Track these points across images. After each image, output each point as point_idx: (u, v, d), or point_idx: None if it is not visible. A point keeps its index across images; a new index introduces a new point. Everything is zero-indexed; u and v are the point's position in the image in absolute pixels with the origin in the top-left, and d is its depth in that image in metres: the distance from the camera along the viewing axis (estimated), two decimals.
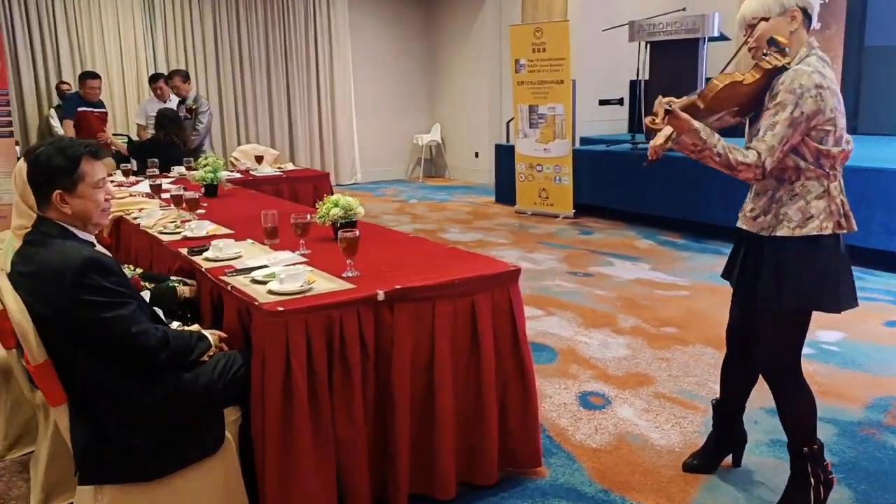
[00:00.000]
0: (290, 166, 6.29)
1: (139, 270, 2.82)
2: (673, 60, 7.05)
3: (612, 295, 4.85)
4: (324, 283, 2.31)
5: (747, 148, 2.12)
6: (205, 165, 4.58)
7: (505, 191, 8.64)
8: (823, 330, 4.06)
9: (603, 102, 9.37)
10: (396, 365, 2.26)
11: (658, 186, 6.80)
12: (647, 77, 7.28)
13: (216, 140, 9.80)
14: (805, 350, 3.72)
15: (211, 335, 2.25)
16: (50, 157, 1.95)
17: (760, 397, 2.63)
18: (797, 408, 2.28)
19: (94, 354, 1.90)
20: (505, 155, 8.53)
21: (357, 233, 2.44)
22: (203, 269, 2.59)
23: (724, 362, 2.55)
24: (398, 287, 2.26)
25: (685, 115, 2.07)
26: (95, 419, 1.94)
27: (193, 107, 6.44)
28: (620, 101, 9.34)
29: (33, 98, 8.61)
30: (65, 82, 8.45)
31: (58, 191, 1.95)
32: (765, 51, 2.16)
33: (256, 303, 2.14)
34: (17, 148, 7.60)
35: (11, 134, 6.61)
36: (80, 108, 6.49)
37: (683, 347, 3.81)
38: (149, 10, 9.28)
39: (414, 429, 2.32)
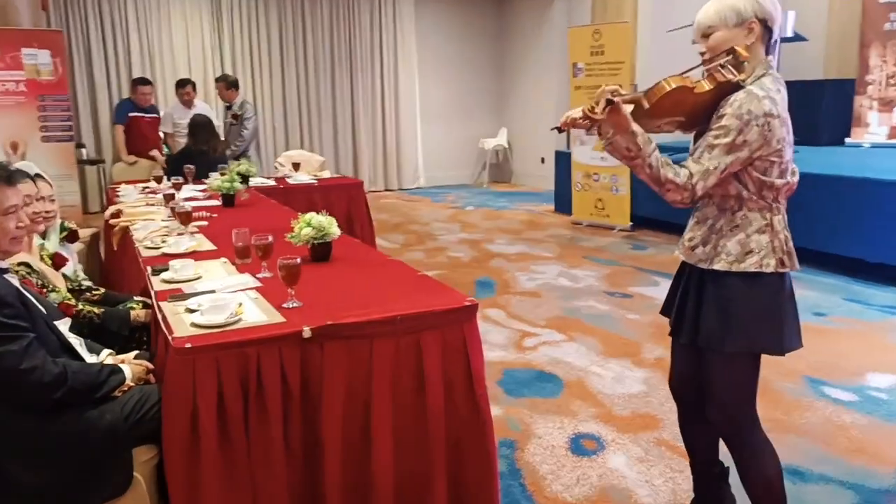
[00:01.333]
0: (326, 174, 6.21)
1: (101, 290, 2.76)
2: None
3: (645, 320, 4.49)
4: (254, 316, 2.14)
5: (681, 166, 1.91)
6: (223, 174, 4.54)
7: (563, 200, 8.30)
8: (875, 373, 3.60)
9: None
10: (326, 409, 2.07)
11: None
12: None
13: (279, 144, 9.93)
14: (845, 396, 3.35)
15: (136, 367, 2.14)
16: None
17: None
18: (762, 469, 2.03)
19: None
20: (564, 162, 8.20)
21: (298, 260, 2.27)
22: (153, 291, 2.49)
23: (678, 419, 2.28)
24: (329, 323, 2.07)
25: (627, 114, 1.84)
26: None
27: (239, 113, 6.47)
28: None
29: (106, 104, 8.91)
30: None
31: None
32: (721, 62, 1.91)
33: (169, 337, 2.00)
34: (84, 151, 7.92)
35: (71, 138, 6.86)
36: (131, 114, 6.64)
37: None
38: (216, 15, 9.47)
39: (347, 478, 2.12)
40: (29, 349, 1.81)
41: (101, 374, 1.98)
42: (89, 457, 1.92)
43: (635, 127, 1.86)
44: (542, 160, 10.64)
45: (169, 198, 4.17)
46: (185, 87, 6.80)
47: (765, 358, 2.04)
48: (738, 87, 1.91)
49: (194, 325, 2.07)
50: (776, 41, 1.99)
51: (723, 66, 1.91)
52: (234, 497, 1.98)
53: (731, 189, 1.93)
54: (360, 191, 5.73)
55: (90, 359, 2.13)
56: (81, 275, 3.06)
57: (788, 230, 1.99)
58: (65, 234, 2.97)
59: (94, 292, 2.72)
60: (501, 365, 3.80)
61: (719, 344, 1.97)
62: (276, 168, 6.88)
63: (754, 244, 1.92)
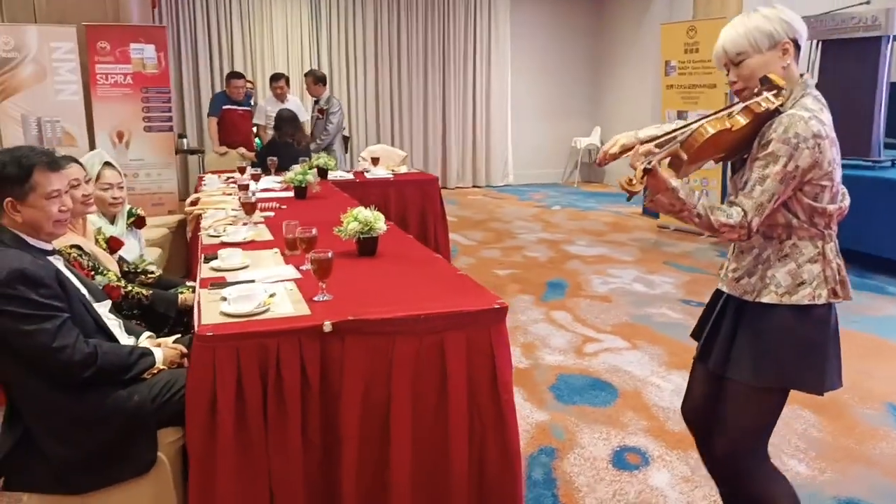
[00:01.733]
0: (403, 169, 6.26)
1: (156, 274, 2.88)
2: (848, 62, 6.10)
3: None
4: (282, 307, 2.17)
5: (730, 204, 1.80)
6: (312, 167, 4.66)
7: None
8: None
9: None
10: (345, 404, 2.07)
11: None
12: (815, 81, 6.37)
13: (371, 138, 10.10)
14: None
15: (169, 350, 2.21)
16: (4, 165, 1.99)
17: (832, 482, 2.12)
18: (776, 500, 1.87)
19: (21, 364, 1.92)
20: None
21: (329, 254, 2.28)
22: (198, 278, 2.57)
23: (696, 446, 2.14)
24: (351, 318, 2.07)
25: (664, 175, 1.74)
26: (25, 427, 1.96)
27: (325, 107, 6.62)
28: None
29: (209, 96, 9.29)
30: (249, 80, 8.94)
31: (9, 198, 1.99)
32: (756, 90, 1.80)
33: (196, 324, 2.06)
34: (185, 141, 8.33)
35: (171, 129, 7.22)
36: (224, 107, 6.91)
37: None
38: (315, 11, 9.74)
39: (365, 473, 2.12)
40: (62, 328, 1.91)
41: (131, 356, 2.06)
42: (116, 434, 2.00)
43: (674, 183, 1.74)
44: None
45: (243, 188, 4.31)
46: (278, 82, 7.03)
47: (847, 381, 1.92)
48: (777, 112, 1.79)
49: (223, 313, 2.12)
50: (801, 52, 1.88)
51: (758, 95, 1.80)
52: (251, 483, 2.02)
53: (780, 218, 1.81)
54: (434, 186, 5.73)
55: (126, 341, 2.22)
56: (148, 258, 3.21)
57: (840, 257, 1.86)
58: (132, 219, 3.12)
59: (149, 275, 2.84)
60: (558, 370, 3.71)
61: (750, 376, 1.84)
62: (359, 161, 7.00)
63: (806, 275, 1.79)
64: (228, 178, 5.41)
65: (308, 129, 6.86)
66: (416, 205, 5.62)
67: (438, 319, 2.14)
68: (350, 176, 5.76)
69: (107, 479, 2.00)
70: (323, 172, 5.52)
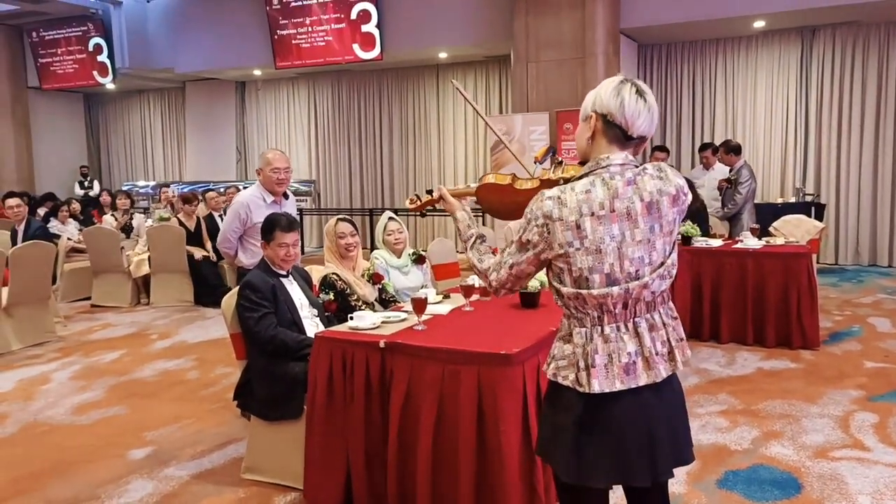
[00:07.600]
0: (779, 241, 5.86)
1: (401, 303, 3.98)
2: None
3: None
4: (385, 329, 3.04)
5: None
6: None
7: None
8: None
9: None
10: (393, 402, 2.86)
11: None
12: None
13: (857, 202, 9.16)
14: None
15: None
16: (266, 223, 3.44)
17: None
18: None
19: (247, 336, 3.32)
20: None
21: (423, 296, 3.06)
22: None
23: None
24: (398, 341, 2.85)
25: (452, 200, 2.24)
26: (250, 374, 3.35)
27: (733, 178, 6.68)
28: None
29: (688, 160, 9.93)
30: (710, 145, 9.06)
31: (263, 240, 3.42)
32: (559, 158, 2.02)
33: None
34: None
35: None
36: None
37: None
38: (804, 76, 9.39)
39: (402, 457, 2.84)
40: (262, 318, 3.22)
41: (299, 344, 3.24)
42: (285, 389, 3.22)
43: (458, 214, 2.18)
44: None
45: None
46: (704, 151, 7.34)
47: None
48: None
49: (349, 326, 3.12)
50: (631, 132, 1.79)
51: (558, 163, 2.03)
52: (332, 439, 2.99)
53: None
54: (803, 262, 5.35)
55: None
56: (430, 287, 4.33)
57: (595, 345, 1.77)
58: (414, 257, 4.28)
59: (397, 303, 3.96)
60: (762, 459, 3.39)
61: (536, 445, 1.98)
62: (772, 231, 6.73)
63: (556, 350, 1.87)
64: None
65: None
66: (777, 279, 5.37)
67: (454, 353, 2.74)
68: (717, 244, 5.81)
69: (279, 416, 3.24)
70: (686, 240, 5.76)
